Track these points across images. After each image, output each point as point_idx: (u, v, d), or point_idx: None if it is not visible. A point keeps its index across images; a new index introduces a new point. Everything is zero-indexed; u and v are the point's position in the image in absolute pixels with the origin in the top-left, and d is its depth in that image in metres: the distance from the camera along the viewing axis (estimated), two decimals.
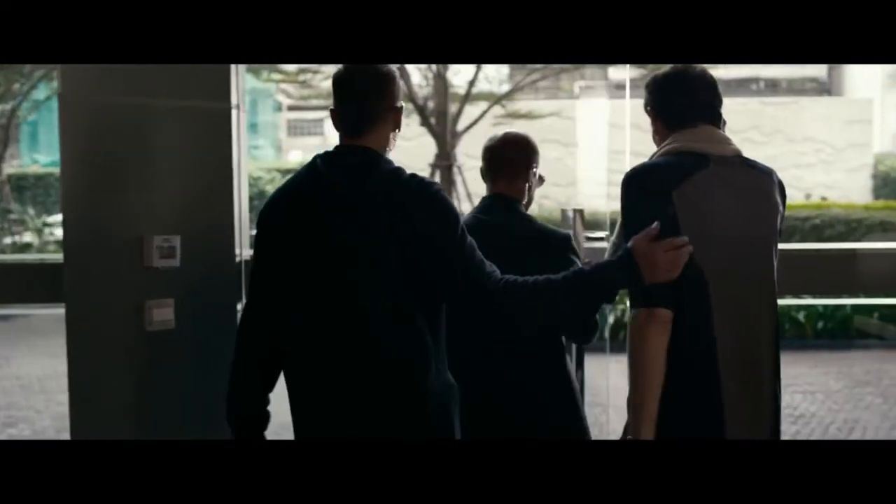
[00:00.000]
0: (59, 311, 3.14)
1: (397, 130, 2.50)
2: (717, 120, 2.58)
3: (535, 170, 3.01)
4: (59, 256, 3.14)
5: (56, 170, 23.25)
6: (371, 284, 2.32)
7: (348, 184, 2.37)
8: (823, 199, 20.81)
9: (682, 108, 2.57)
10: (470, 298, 2.33)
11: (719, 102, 2.61)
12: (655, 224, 2.31)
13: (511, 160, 2.98)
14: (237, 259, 3.25)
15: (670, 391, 2.39)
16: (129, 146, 3.02)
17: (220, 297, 3.20)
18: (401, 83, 2.51)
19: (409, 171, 2.42)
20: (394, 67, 2.47)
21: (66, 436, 7.24)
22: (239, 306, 3.23)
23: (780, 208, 2.59)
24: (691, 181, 2.44)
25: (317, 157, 2.45)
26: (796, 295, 4.40)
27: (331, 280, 2.35)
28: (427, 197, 2.35)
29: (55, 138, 18.45)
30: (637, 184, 2.49)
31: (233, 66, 3.17)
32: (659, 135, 2.63)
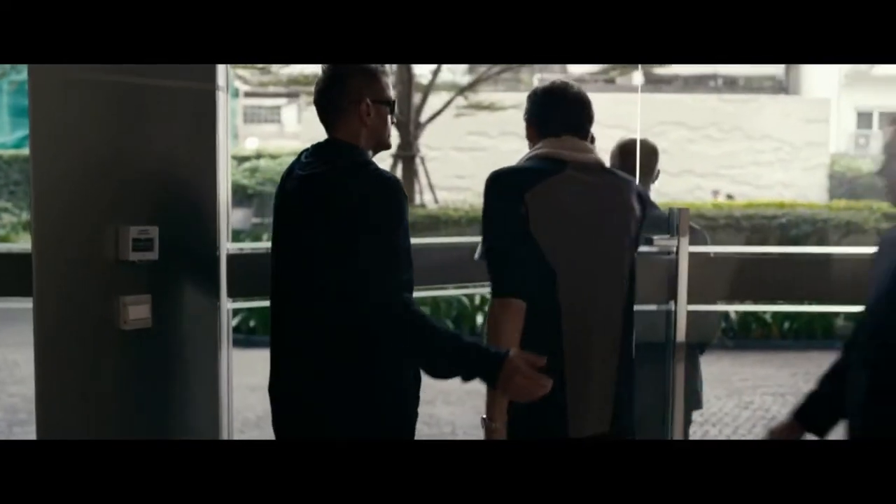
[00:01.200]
0: (9, 303, 2.92)
1: (367, 123, 2.63)
2: (583, 133, 2.82)
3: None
4: (21, 246, 2.89)
5: (5, 152, 22.77)
6: (323, 268, 2.48)
7: (311, 172, 2.57)
8: (730, 196, 20.93)
9: (552, 119, 2.81)
10: (374, 299, 2.41)
11: (588, 119, 2.85)
12: (542, 358, 2.39)
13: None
14: (218, 252, 3.01)
15: None
16: (105, 128, 2.77)
17: (202, 293, 2.96)
18: (374, 77, 2.64)
19: (373, 165, 2.59)
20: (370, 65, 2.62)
21: (17, 429, 6.99)
22: (221, 303, 3.00)
23: (638, 213, 2.80)
24: (545, 183, 2.66)
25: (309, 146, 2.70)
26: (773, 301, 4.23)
27: (292, 263, 2.58)
28: (381, 189, 2.48)
29: (4, 120, 18.07)
30: (494, 186, 2.71)
31: None
32: (531, 141, 2.87)
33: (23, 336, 9.68)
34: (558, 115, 2.80)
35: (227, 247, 3.05)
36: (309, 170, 2.59)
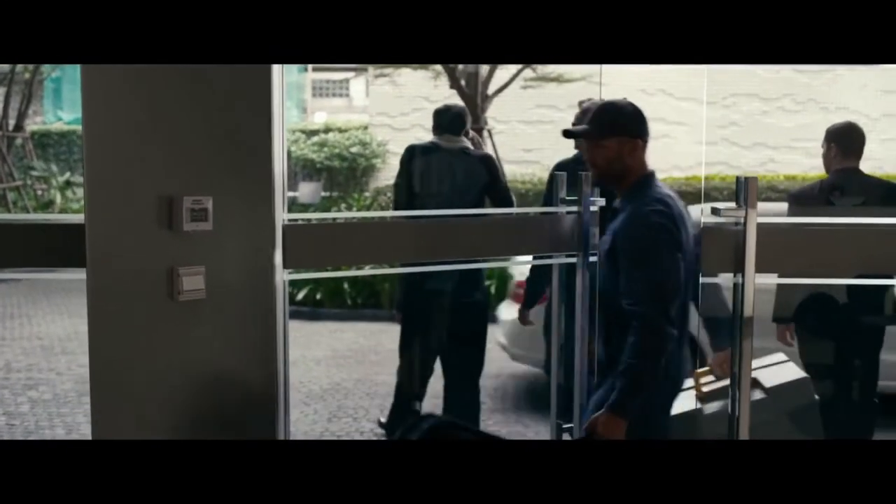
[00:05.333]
0: (78, 274, 2.91)
1: None
2: (458, 132, 5.11)
3: None
4: (69, 217, 2.89)
5: (79, 127, 23.16)
6: None
7: None
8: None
9: (440, 122, 5.16)
10: None
11: (464, 123, 5.20)
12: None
13: None
14: (275, 223, 2.97)
15: None
16: (160, 98, 2.74)
17: (257, 265, 2.93)
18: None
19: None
20: None
21: (86, 398, 7.08)
22: (277, 274, 2.96)
23: (486, 179, 5.03)
24: (423, 158, 5.05)
25: None
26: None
27: None
28: None
29: (79, 95, 18.43)
30: (401, 160, 5.06)
31: None
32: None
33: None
34: (443, 120, 5.27)
35: (283, 218, 3.01)
36: None
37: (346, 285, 10.19)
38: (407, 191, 5.07)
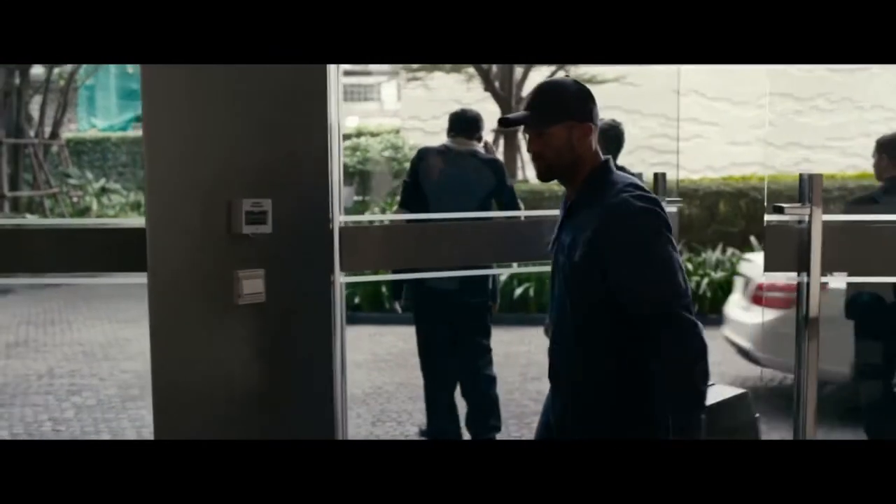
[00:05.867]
0: (121, 279, 2.90)
1: None
2: (471, 135, 5.26)
3: None
4: (128, 221, 2.88)
5: (113, 134, 23.32)
6: None
7: None
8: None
9: (454, 124, 5.28)
10: None
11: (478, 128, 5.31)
12: None
13: None
14: (331, 226, 2.95)
15: None
16: (217, 103, 2.72)
17: (314, 268, 2.91)
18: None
19: None
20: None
21: (130, 404, 7.11)
22: (335, 277, 2.94)
23: (493, 183, 5.08)
24: (432, 159, 5.13)
25: None
26: None
27: None
28: None
29: (112, 103, 18.41)
30: (412, 160, 5.19)
31: None
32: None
33: (131, 312, 9.90)
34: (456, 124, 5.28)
35: (339, 220, 2.99)
36: None
37: (383, 288, 10.17)
38: (414, 190, 5.14)
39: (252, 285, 2.73)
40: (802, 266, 3.03)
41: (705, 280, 10.54)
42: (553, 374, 2.82)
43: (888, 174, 4.94)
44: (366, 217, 3.53)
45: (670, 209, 3.69)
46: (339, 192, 3.00)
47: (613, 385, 2.64)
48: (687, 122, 20.67)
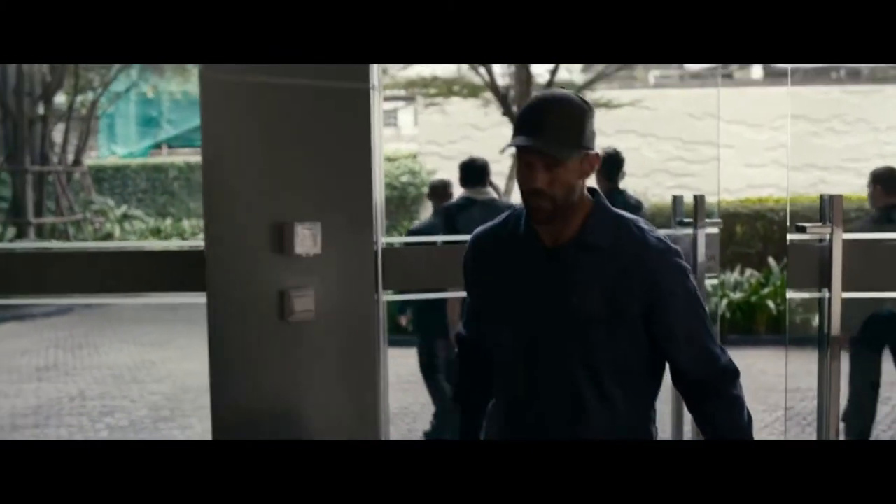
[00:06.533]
0: (142, 300, 3.07)
1: None
2: (485, 183, 5.53)
3: None
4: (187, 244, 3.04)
5: (133, 161, 23.60)
6: None
7: None
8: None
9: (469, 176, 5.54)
10: None
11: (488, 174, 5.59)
12: None
13: None
14: (374, 247, 3.11)
15: None
16: (269, 131, 2.90)
17: (359, 287, 3.06)
18: None
19: None
20: None
21: (162, 424, 7.26)
22: (379, 296, 3.10)
23: None
24: (463, 213, 5.34)
25: None
26: None
27: None
28: None
29: (132, 130, 18.60)
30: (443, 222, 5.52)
31: None
32: None
33: (154, 336, 10.01)
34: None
35: (382, 241, 3.14)
36: None
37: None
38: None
39: (302, 303, 2.89)
40: (824, 283, 3.17)
41: (724, 301, 10.64)
42: (523, 424, 2.40)
43: (881, 203, 5.58)
44: (403, 239, 3.64)
45: (711, 230, 3.83)
46: (382, 214, 3.16)
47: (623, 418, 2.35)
48: (704, 145, 20.80)
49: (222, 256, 2.84)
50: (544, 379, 2.34)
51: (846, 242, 3.14)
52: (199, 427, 7.27)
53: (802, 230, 3.20)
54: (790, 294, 3.38)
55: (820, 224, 3.16)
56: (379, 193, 3.13)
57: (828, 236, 3.15)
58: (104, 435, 7.09)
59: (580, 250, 2.30)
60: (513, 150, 2.22)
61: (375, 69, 3.07)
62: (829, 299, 3.15)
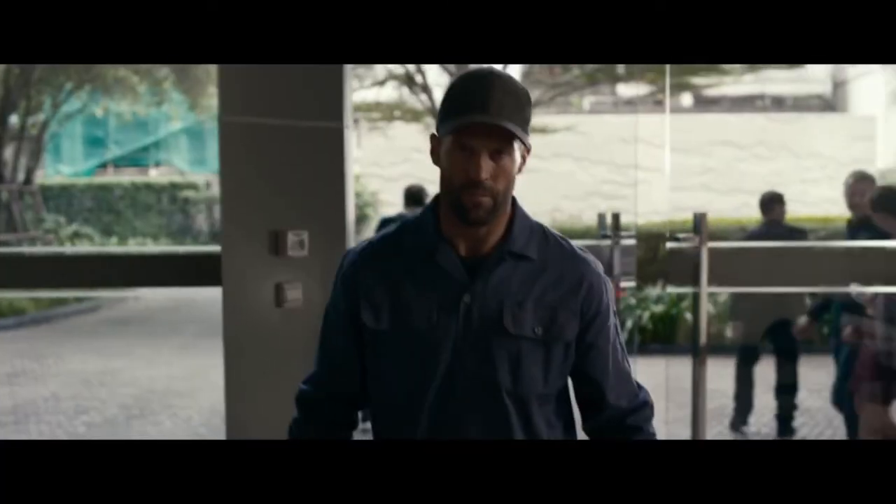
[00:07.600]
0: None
1: None
2: (422, 203, 4.95)
3: None
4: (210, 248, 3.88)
5: (78, 180, 23.99)
6: None
7: None
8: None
9: (408, 198, 5.54)
10: None
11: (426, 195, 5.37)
12: None
13: None
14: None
15: None
16: (270, 159, 3.75)
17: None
18: None
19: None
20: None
21: (135, 422, 7.96)
22: None
23: None
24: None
25: None
26: None
27: None
28: None
29: (78, 150, 18.96)
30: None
31: (346, 89, 3.88)
32: None
33: (116, 348, 10.55)
34: None
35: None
36: None
37: None
38: None
39: (293, 293, 3.73)
40: (695, 281, 4.06)
41: (647, 313, 11.59)
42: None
43: (764, 220, 7.61)
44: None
45: (629, 242, 4.75)
46: (354, 225, 4.01)
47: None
48: (633, 168, 21.50)
49: (234, 257, 3.69)
50: (462, 414, 2.05)
51: (713, 249, 4.04)
52: (168, 424, 8.00)
53: (677, 240, 4.09)
54: (669, 289, 4.25)
55: (692, 235, 4.05)
56: (350, 210, 3.98)
57: (698, 244, 4.03)
58: (83, 430, 7.78)
59: (508, 261, 2.02)
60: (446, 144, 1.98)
61: (349, 110, 3.92)
62: (698, 294, 4.04)
